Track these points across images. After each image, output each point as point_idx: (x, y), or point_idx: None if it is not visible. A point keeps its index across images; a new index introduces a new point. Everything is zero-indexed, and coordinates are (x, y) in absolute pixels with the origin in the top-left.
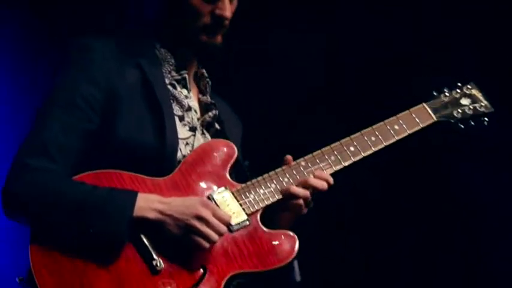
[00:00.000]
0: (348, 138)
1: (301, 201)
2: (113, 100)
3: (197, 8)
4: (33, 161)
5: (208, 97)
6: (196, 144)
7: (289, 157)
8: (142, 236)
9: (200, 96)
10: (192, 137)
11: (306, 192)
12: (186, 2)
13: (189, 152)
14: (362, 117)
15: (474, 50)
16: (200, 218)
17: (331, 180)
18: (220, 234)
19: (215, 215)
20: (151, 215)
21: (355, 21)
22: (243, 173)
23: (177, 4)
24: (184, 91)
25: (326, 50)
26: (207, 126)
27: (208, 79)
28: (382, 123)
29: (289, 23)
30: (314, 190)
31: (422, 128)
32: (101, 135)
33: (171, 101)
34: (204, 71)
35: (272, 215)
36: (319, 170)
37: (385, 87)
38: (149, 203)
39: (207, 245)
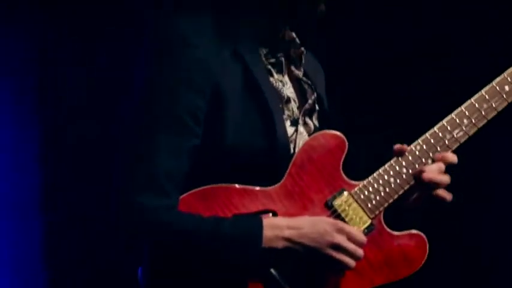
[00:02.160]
0: (459, 109)
1: (438, 187)
2: (217, 104)
3: None
4: (149, 200)
5: (302, 71)
6: (298, 141)
7: (400, 146)
8: (272, 270)
9: (293, 68)
10: (295, 133)
11: (443, 178)
12: None
13: (293, 150)
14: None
15: (474, 50)
16: (336, 247)
17: (453, 159)
18: (358, 259)
19: (350, 239)
20: (281, 244)
21: (354, 22)
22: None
23: None
24: (280, 76)
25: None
26: (308, 113)
27: (303, 48)
28: (491, 85)
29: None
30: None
31: None
32: (205, 148)
33: (273, 94)
34: (294, 36)
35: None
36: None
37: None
38: (277, 232)
39: (343, 272)
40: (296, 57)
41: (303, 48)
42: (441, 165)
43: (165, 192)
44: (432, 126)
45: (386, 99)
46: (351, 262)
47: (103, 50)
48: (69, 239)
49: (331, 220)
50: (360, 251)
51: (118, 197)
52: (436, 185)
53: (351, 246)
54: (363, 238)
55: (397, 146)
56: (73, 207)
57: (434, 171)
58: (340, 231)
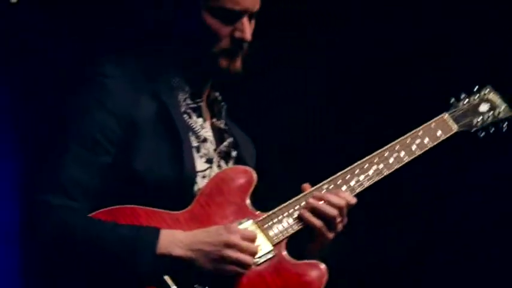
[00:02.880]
0: (370, 156)
1: (319, 228)
2: (130, 131)
3: (215, 31)
4: (51, 198)
5: (223, 122)
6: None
7: (306, 185)
8: (166, 277)
9: (214, 120)
10: (209, 170)
11: (316, 221)
12: (203, 25)
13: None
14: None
15: (475, 50)
16: (231, 245)
17: (347, 200)
18: (253, 255)
19: (243, 237)
20: (177, 251)
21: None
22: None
23: (192, 29)
24: (200, 120)
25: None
26: (224, 156)
27: (223, 103)
28: (403, 138)
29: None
30: (327, 215)
31: (444, 140)
32: (116, 168)
33: (188, 132)
34: (217, 94)
35: (300, 243)
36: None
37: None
38: (173, 239)
39: (243, 271)
40: (217, 112)
41: (223, 103)
42: (341, 200)
43: (69, 195)
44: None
45: (386, 99)
46: (247, 259)
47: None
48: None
49: (223, 225)
50: (253, 247)
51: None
52: (323, 215)
53: (244, 243)
54: (253, 235)
55: (305, 185)
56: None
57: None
58: (232, 231)
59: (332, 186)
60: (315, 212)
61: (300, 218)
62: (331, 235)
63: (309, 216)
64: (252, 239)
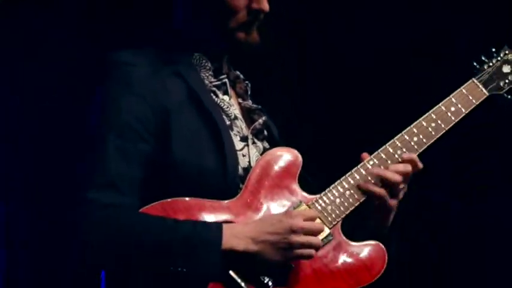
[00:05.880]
0: (409, 128)
1: (383, 199)
2: (164, 117)
3: (232, 5)
4: (101, 196)
5: (250, 101)
6: (251, 155)
7: (364, 154)
8: (232, 274)
9: (240, 101)
10: (246, 148)
11: (381, 190)
12: (219, 1)
13: (247, 164)
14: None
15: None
16: (297, 230)
17: (413, 163)
18: (319, 233)
19: (306, 219)
20: (242, 246)
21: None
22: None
23: (209, 5)
24: (226, 97)
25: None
26: (256, 134)
27: (247, 81)
28: (438, 106)
29: None
30: (390, 182)
31: (477, 105)
32: (157, 159)
33: (219, 111)
34: (238, 73)
35: (359, 221)
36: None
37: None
38: (235, 233)
39: (313, 252)
40: (242, 91)
41: (247, 82)
42: (408, 166)
43: (120, 191)
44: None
45: (386, 98)
46: (316, 240)
47: None
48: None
49: (282, 212)
50: (318, 226)
51: (74, 199)
52: (392, 184)
53: (308, 224)
54: (315, 214)
55: (363, 154)
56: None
57: (395, 169)
58: (292, 215)
59: (378, 161)
60: (379, 180)
61: (355, 195)
62: (393, 202)
63: (371, 186)
64: (314, 219)
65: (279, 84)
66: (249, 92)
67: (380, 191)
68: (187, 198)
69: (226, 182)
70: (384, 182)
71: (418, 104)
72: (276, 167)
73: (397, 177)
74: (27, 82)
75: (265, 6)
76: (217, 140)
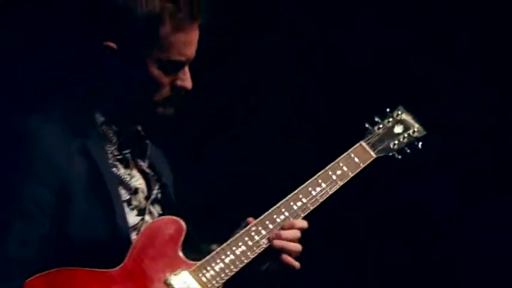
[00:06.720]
0: (294, 194)
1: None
2: (63, 201)
3: (159, 81)
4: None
5: (146, 162)
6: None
7: (250, 219)
8: None
9: (138, 160)
10: (141, 222)
11: (288, 258)
12: (144, 74)
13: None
14: None
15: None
16: None
17: (303, 227)
18: None
19: None
20: None
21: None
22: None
23: (132, 77)
24: (128, 170)
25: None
26: (152, 202)
27: (147, 141)
28: (324, 170)
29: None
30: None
31: (364, 167)
32: (52, 238)
33: (118, 186)
34: (140, 130)
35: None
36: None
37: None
38: None
39: None
40: (141, 151)
41: (148, 141)
42: (297, 232)
43: (14, 277)
44: None
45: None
46: None
47: None
48: None
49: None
50: None
51: None
52: (286, 252)
53: None
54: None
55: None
56: None
57: (288, 237)
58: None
59: (261, 226)
60: (284, 251)
61: (236, 261)
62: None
63: (285, 257)
64: None
65: (279, 84)
66: (148, 153)
67: (288, 259)
68: (73, 268)
69: (117, 255)
70: (288, 252)
71: (418, 104)
72: (160, 236)
73: (298, 247)
74: (27, 82)
75: (189, 84)
76: (110, 216)
